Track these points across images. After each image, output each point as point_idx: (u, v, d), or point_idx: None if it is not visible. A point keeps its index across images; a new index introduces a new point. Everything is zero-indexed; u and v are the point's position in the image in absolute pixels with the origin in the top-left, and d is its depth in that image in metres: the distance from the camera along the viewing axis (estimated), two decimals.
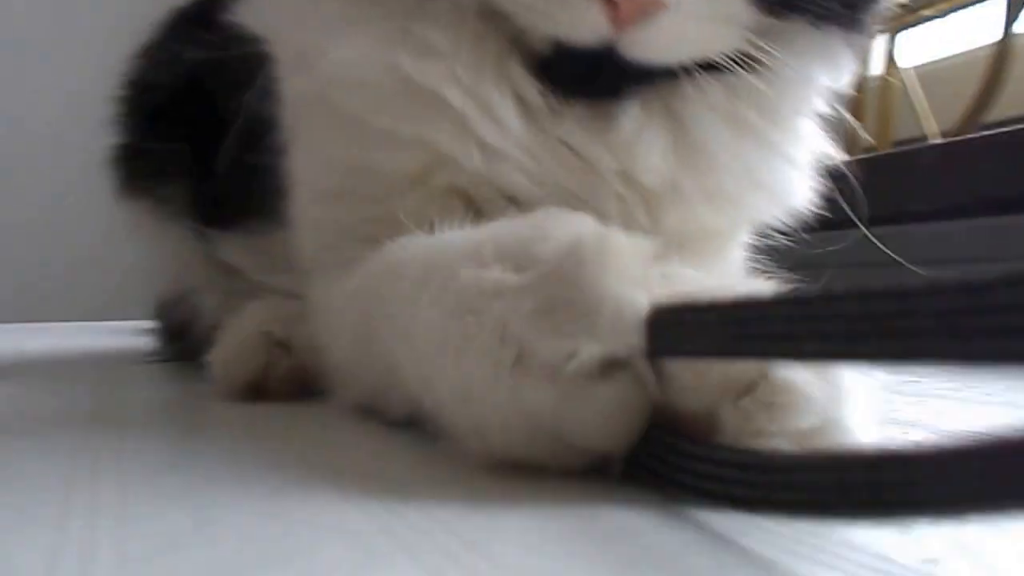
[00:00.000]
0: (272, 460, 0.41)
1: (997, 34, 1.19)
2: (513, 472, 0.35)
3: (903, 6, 1.31)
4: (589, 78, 0.48)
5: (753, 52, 0.48)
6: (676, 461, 0.32)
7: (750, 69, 0.49)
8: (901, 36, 1.33)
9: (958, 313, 0.22)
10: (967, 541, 0.29)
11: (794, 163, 0.54)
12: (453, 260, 0.37)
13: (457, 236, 0.40)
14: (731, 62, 0.48)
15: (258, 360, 0.59)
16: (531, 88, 0.49)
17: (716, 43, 0.48)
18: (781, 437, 0.33)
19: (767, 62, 0.49)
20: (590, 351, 0.32)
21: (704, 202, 0.51)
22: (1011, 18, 1.19)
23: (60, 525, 0.31)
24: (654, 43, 0.46)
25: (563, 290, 0.34)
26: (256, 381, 0.59)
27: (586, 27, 0.45)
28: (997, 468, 0.21)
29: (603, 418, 0.33)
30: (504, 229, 0.38)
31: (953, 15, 1.28)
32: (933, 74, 1.34)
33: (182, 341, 0.87)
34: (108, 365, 0.92)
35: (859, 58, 0.54)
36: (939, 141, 1.22)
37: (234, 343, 0.61)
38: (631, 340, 0.33)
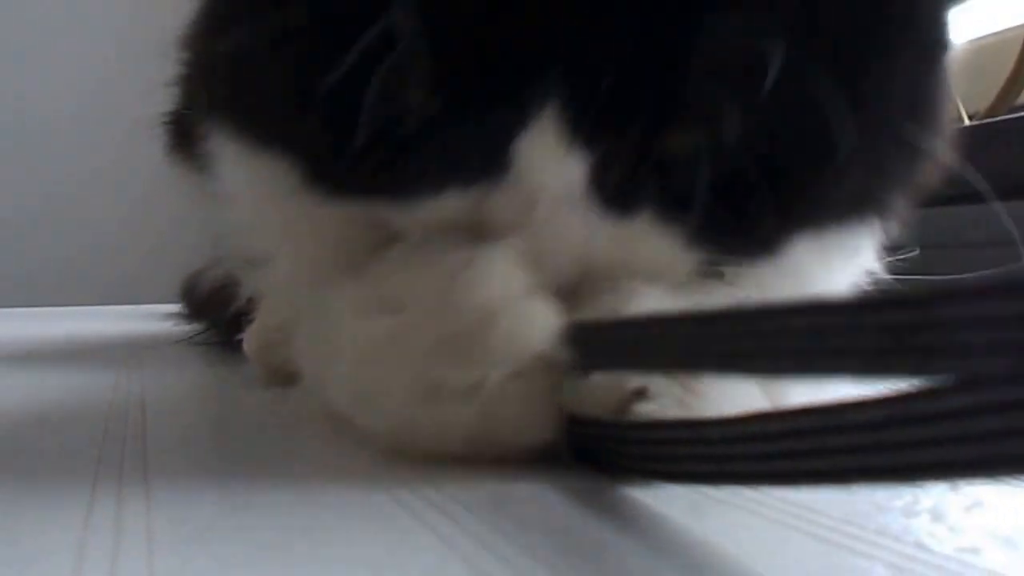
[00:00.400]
0: (302, 444, 0.41)
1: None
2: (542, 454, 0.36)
3: None
4: None
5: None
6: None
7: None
8: None
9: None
10: (1006, 531, 0.28)
11: None
12: (345, 315, 0.38)
13: (349, 287, 0.39)
14: None
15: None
16: None
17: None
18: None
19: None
20: (495, 377, 0.34)
21: None
22: None
23: (87, 514, 0.31)
24: None
25: (450, 321, 0.35)
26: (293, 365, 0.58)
27: None
28: None
29: (526, 418, 0.35)
30: (381, 272, 0.39)
31: None
32: (967, 54, 1.32)
33: (214, 320, 0.87)
34: (132, 349, 0.92)
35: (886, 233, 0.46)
36: (968, 124, 1.21)
37: (271, 324, 0.59)
38: (531, 352, 0.34)
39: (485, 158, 0.37)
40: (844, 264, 0.45)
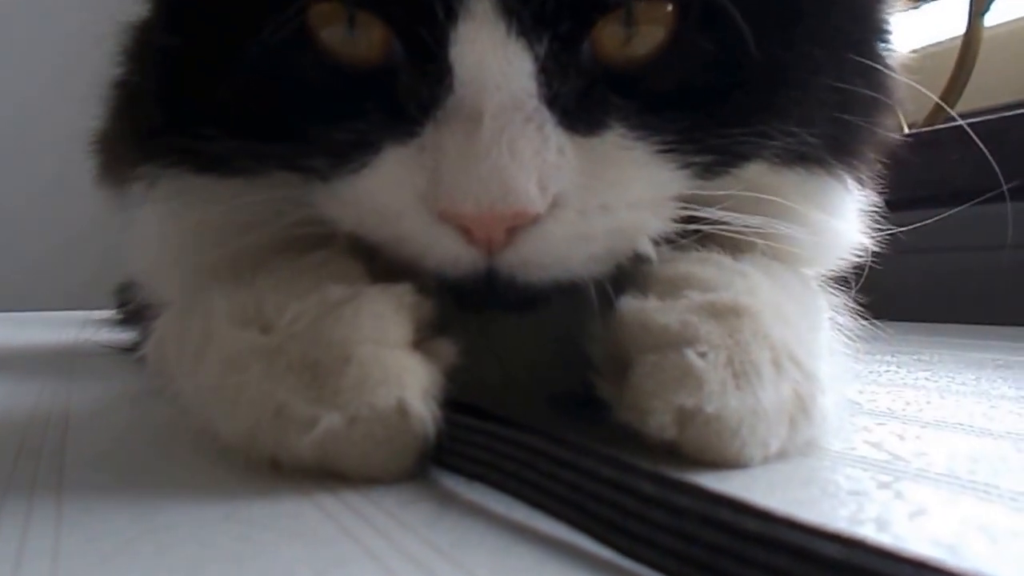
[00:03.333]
0: (227, 460, 0.39)
1: (963, 26, 1.20)
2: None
3: None
4: (495, 303, 0.40)
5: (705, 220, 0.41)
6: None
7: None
8: None
9: None
10: (949, 538, 0.28)
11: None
12: (221, 320, 0.38)
13: (227, 295, 0.39)
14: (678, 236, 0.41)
15: None
16: None
17: (639, 236, 0.40)
18: (664, 407, 0.35)
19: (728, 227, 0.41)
20: (330, 420, 0.33)
21: None
22: (976, 9, 1.20)
23: None
24: (543, 260, 0.38)
25: (310, 351, 0.35)
26: None
27: (448, 258, 0.38)
28: None
29: (360, 458, 0.34)
30: (266, 285, 0.38)
31: (926, 5, 1.28)
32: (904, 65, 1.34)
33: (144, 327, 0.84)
34: (62, 358, 0.89)
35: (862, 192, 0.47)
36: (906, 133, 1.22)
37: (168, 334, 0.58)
38: (375, 400, 0.34)
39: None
40: (828, 222, 0.45)
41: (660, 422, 0.35)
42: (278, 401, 0.35)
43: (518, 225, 0.36)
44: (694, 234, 0.41)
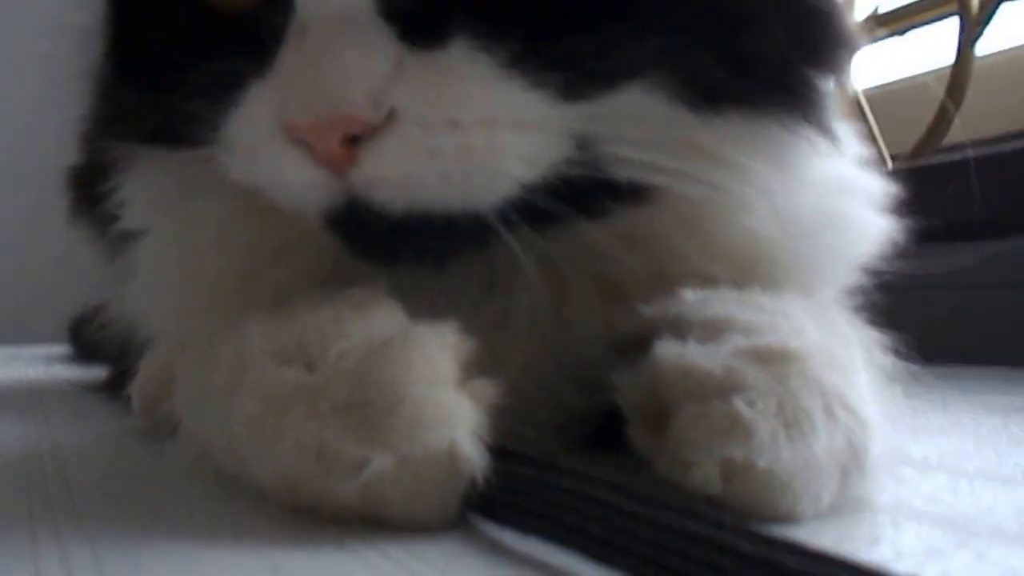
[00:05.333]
0: (255, 504, 0.39)
1: (952, 56, 1.23)
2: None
3: (859, 23, 1.34)
4: (391, 244, 0.41)
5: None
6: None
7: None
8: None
9: None
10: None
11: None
12: (259, 356, 0.38)
13: (263, 329, 0.39)
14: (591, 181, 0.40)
15: None
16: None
17: (505, 158, 0.38)
18: (710, 459, 0.34)
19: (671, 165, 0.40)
20: (381, 461, 0.33)
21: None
22: (966, 38, 1.23)
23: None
24: (390, 176, 0.37)
25: (358, 391, 0.35)
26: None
27: (307, 183, 0.38)
28: None
29: (409, 504, 0.34)
30: (309, 321, 0.38)
31: (912, 32, 1.30)
32: (887, 95, 1.36)
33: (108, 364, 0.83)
34: (28, 396, 0.87)
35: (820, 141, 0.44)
36: (892, 168, 1.24)
37: (157, 373, 0.58)
38: (426, 441, 0.34)
39: None
40: (791, 173, 0.44)
41: (705, 476, 0.35)
42: (322, 442, 0.34)
43: (356, 136, 0.37)
44: (629, 193, 0.41)
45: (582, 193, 0.40)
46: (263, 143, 0.39)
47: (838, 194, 0.48)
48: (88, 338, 0.99)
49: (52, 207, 0.88)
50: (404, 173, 0.37)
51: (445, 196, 0.38)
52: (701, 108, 0.41)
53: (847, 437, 0.36)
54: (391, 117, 0.37)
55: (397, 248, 0.41)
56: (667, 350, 0.38)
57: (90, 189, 0.79)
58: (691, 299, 0.41)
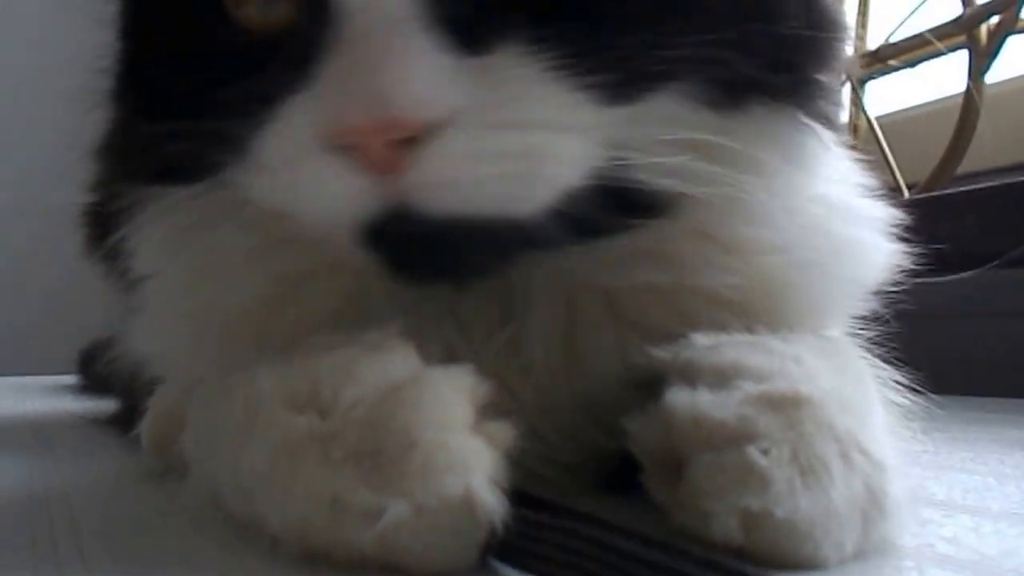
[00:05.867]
0: (268, 551, 0.39)
1: (962, 86, 1.23)
2: None
3: (871, 54, 1.34)
4: (428, 260, 0.41)
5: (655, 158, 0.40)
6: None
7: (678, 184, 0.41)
8: (869, 85, 1.36)
9: None
10: None
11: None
12: (271, 403, 0.37)
13: (275, 374, 0.39)
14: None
15: None
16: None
17: (555, 161, 0.38)
18: (728, 510, 0.34)
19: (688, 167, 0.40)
20: (397, 509, 0.33)
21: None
22: (975, 69, 1.23)
23: None
24: (443, 181, 0.37)
25: (371, 437, 0.35)
26: None
27: (351, 193, 0.38)
28: None
29: (427, 552, 0.33)
30: (319, 365, 0.38)
31: (922, 65, 1.31)
32: (899, 124, 1.37)
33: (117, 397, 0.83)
34: (36, 431, 0.87)
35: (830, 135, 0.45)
36: (907, 197, 1.25)
37: (168, 412, 0.57)
38: (441, 488, 0.33)
39: None
40: (797, 168, 0.44)
41: (724, 527, 0.34)
42: (336, 490, 0.34)
43: (407, 140, 0.36)
44: (651, 204, 0.41)
45: (609, 203, 0.40)
46: (301, 156, 0.38)
47: (846, 220, 0.48)
48: (98, 370, 0.99)
49: (62, 239, 0.89)
50: (453, 177, 0.37)
51: (491, 201, 0.38)
52: (725, 107, 0.41)
53: (864, 482, 0.36)
54: (442, 121, 0.36)
55: (434, 260, 0.40)
56: (678, 398, 0.37)
57: (103, 226, 0.81)
58: (701, 343, 0.41)
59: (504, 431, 0.37)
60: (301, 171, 0.39)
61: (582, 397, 0.45)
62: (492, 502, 0.33)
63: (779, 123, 0.43)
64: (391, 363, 0.38)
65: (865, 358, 0.48)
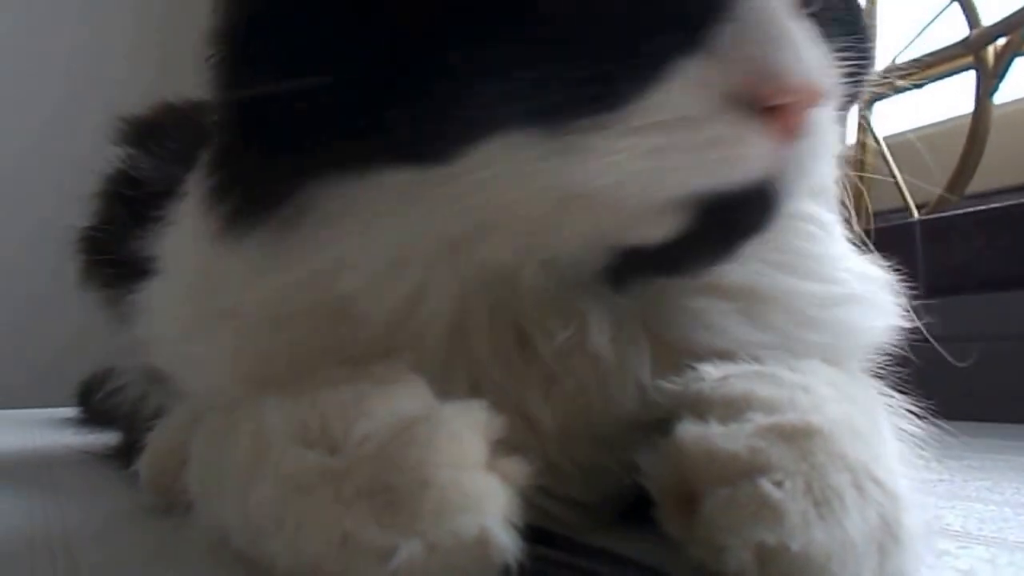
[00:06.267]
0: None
1: (971, 107, 1.23)
2: None
3: (878, 75, 1.34)
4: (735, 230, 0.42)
5: None
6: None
7: None
8: (876, 106, 1.36)
9: None
10: None
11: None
12: (281, 438, 0.37)
13: (284, 409, 0.38)
14: None
15: None
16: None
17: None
18: (743, 544, 0.33)
19: None
20: (411, 548, 0.32)
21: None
22: (983, 90, 1.23)
23: None
24: (818, 151, 0.40)
25: (383, 475, 0.34)
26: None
27: (750, 157, 0.38)
28: None
29: None
30: (329, 401, 0.38)
31: (930, 85, 1.31)
32: (907, 145, 1.36)
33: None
34: (36, 465, 0.86)
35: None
36: (917, 218, 1.24)
37: (168, 448, 0.57)
38: (456, 528, 0.33)
39: None
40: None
41: (739, 561, 0.33)
42: (347, 528, 0.33)
43: (809, 109, 0.39)
44: None
45: None
46: (714, 115, 0.37)
47: (851, 275, 0.49)
48: (98, 403, 0.99)
49: (62, 270, 0.88)
50: (823, 148, 0.41)
51: (820, 176, 0.43)
52: None
53: (879, 512, 0.35)
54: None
55: (732, 237, 0.42)
56: (689, 432, 0.37)
57: (101, 252, 0.80)
58: (710, 375, 0.41)
59: (518, 468, 0.36)
60: (706, 132, 0.38)
61: (602, 429, 0.44)
62: (506, 541, 0.33)
63: None
64: (402, 398, 0.38)
65: (875, 386, 0.48)
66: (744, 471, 0.35)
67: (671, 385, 0.42)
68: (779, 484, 0.34)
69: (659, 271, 0.44)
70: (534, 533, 0.34)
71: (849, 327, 0.48)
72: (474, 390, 0.42)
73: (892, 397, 0.47)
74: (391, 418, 0.36)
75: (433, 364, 0.41)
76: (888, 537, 0.35)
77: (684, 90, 0.37)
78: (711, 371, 0.41)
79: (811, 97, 0.38)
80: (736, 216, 0.41)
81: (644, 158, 0.37)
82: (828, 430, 0.37)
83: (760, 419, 0.37)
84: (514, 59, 0.37)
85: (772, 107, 0.37)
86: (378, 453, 0.35)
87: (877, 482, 0.36)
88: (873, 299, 0.49)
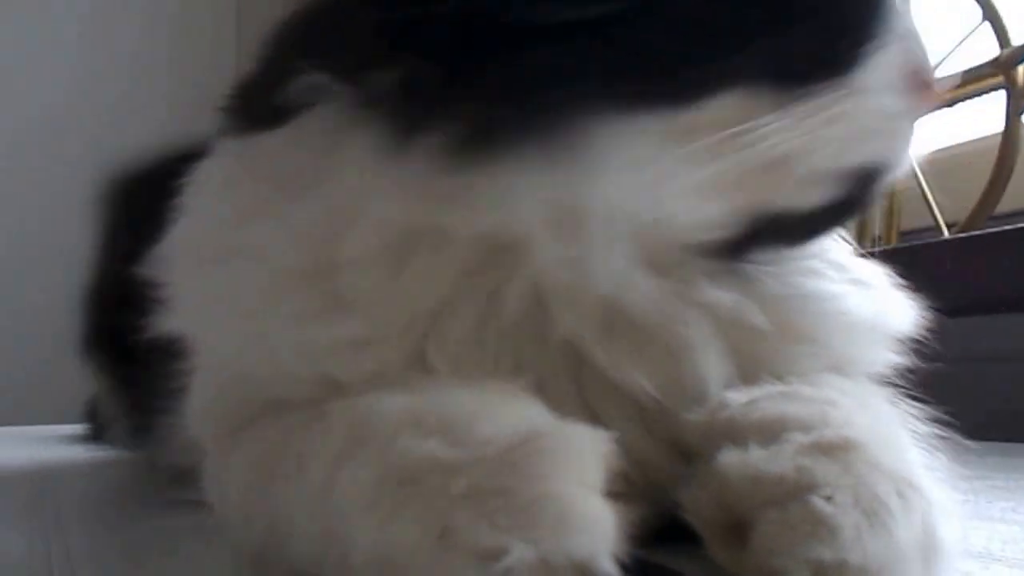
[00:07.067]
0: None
1: (1001, 125, 1.22)
2: None
3: None
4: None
5: None
6: None
7: None
8: None
9: None
10: None
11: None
12: (392, 425, 0.37)
13: (399, 401, 0.38)
14: None
15: None
16: None
17: None
18: (801, 565, 0.33)
19: None
20: (522, 554, 0.31)
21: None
22: (1013, 109, 1.22)
23: None
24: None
25: (503, 478, 0.34)
26: None
27: (907, 134, 0.45)
28: None
29: None
30: (451, 399, 0.38)
31: (961, 104, 1.29)
32: (940, 164, 1.35)
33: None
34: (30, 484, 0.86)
35: None
36: (947, 237, 1.22)
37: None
38: (571, 547, 0.31)
39: None
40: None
41: None
42: (450, 523, 0.32)
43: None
44: None
45: None
46: (891, 88, 0.42)
47: (860, 279, 0.50)
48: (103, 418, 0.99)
49: (68, 285, 0.89)
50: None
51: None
52: None
53: (922, 519, 0.35)
54: None
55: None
56: (730, 459, 0.37)
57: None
58: (735, 400, 0.41)
59: (630, 507, 0.35)
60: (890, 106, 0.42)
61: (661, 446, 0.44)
62: (608, 573, 0.32)
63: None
64: (528, 409, 0.38)
65: (889, 397, 0.47)
66: (792, 491, 0.35)
67: (697, 416, 0.41)
68: (829, 499, 0.34)
69: (782, 241, 0.46)
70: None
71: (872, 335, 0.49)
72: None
73: (906, 405, 0.46)
74: (518, 425, 0.36)
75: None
76: (930, 543, 0.35)
77: (884, 67, 0.42)
78: (736, 396, 0.42)
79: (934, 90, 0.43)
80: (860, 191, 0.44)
81: (847, 122, 0.41)
82: (863, 441, 0.37)
83: (799, 438, 0.37)
84: (766, 24, 0.40)
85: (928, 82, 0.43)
86: (502, 456, 0.34)
87: (916, 488, 0.36)
88: (890, 309, 0.50)
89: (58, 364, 0.97)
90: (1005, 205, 1.21)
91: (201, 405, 0.50)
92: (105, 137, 0.87)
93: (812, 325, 0.46)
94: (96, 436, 1.02)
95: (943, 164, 1.36)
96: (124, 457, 0.85)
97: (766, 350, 0.45)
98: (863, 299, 0.49)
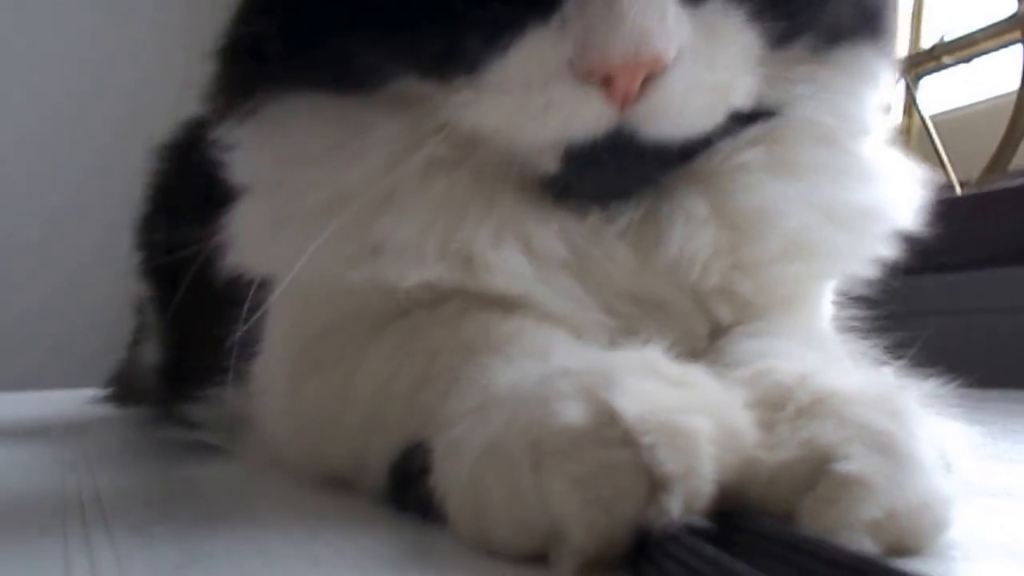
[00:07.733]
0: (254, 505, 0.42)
1: (1016, 82, 1.21)
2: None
3: (925, 52, 1.33)
4: (610, 177, 0.48)
5: (777, 88, 0.49)
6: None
7: (780, 107, 0.50)
8: (923, 82, 1.35)
9: None
10: None
11: (875, 180, 0.53)
12: (537, 394, 0.37)
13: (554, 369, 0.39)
14: (760, 107, 0.49)
15: None
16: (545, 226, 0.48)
17: (734, 92, 0.47)
18: (857, 530, 0.33)
19: (793, 93, 0.50)
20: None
21: (778, 263, 0.50)
22: None
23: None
24: (667, 110, 0.45)
25: (618, 433, 0.33)
26: None
27: (589, 117, 0.45)
28: None
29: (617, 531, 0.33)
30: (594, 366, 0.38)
31: (976, 60, 1.29)
32: (954, 122, 1.35)
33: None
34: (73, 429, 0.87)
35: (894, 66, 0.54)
36: (961, 194, 1.23)
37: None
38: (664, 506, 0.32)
39: None
40: (870, 92, 0.53)
41: (862, 546, 0.33)
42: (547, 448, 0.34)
43: (652, 74, 0.43)
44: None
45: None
46: (554, 79, 0.44)
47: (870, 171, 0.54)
48: (131, 382, 1.01)
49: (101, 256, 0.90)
50: (676, 106, 0.45)
51: (690, 126, 0.46)
52: (821, 49, 0.51)
53: (927, 437, 0.35)
54: (675, 57, 0.43)
55: (615, 179, 0.48)
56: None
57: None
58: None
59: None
60: (548, 94, 0.44)
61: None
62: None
63: (852, 53, 0.52)
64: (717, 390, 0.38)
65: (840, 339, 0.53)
66: (811, 471, 0.34)
67: None
68: (848, 459, 0.34)
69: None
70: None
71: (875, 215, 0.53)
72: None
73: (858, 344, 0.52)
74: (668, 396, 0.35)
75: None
76: (940, 458, 0.36)
77: (529, 59, 0.44)
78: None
79: (638, 67, 0.43)
80: (613, 161, 0.46)
81: (502, 113, 0.45)
82: (839, 387, 0.37)
83: (783, 414, 0.37)
84: (397, 21, 0.45)
85: (611, 75, 0.43)
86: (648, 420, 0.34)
87: (899, 411, 0.36)
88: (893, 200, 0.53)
89: (85, 331, 0.98)
90: (1019, 162, 1.22)
91: (280, 330, 0.54)
92: (130, 114, 0.88)
93: (788, 212, 0.49)
94: (121, 398, 1.04)
95: (958, 123, 1.36)
96: (152, 414, 0.87)
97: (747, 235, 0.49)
98: (866, 190, 0.52)
